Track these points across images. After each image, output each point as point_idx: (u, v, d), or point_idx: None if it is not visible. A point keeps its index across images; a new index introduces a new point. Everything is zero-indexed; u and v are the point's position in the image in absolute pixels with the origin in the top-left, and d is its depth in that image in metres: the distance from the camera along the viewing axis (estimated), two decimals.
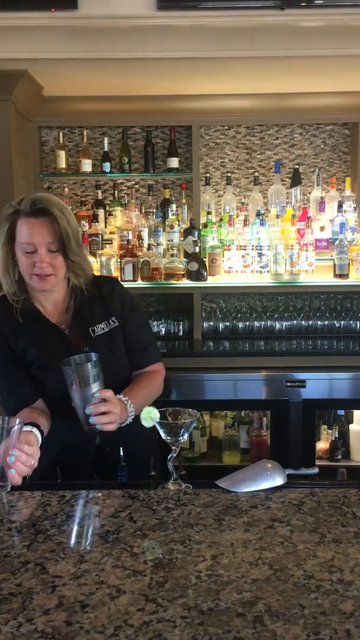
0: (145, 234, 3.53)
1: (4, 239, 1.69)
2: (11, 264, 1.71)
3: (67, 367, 1.56)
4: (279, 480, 1.43)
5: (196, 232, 3.51)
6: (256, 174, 3.73)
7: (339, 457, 3.36)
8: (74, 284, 1.78)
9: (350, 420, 3.44)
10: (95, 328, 1.78)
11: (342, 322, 3.60)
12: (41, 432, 1.61)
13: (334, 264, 3.47)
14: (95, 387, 1.57)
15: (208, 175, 3.74)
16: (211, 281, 3.49)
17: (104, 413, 1.57)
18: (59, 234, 1.65)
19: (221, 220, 3.63)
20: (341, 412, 3.49)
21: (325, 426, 3.47)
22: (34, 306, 1.78)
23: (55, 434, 1.72)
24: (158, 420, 1.44)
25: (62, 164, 3.65)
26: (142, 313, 1.95)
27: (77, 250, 1.71)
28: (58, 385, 1.62)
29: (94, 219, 3.59)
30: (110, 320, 1.80)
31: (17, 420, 1.42)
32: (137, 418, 1.47)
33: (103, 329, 1.79)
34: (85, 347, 1.74)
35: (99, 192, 3.71)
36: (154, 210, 3.61)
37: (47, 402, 1.76)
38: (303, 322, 3.61)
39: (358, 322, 3.59)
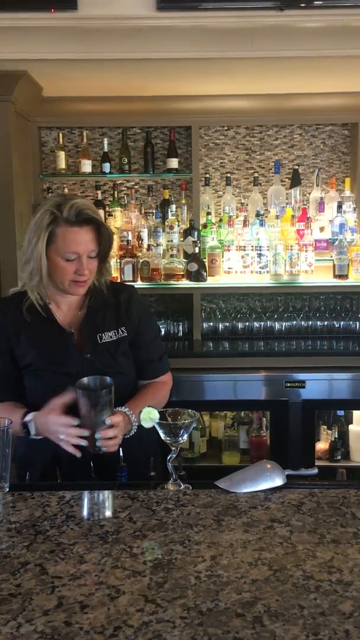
0: (144, 234, 3.53)
1: (45, 244, 1.66)
2: (46, 269, 1.70)
3: (81, 391, 1.57)
4: (278, 481, 1.43)
5: (196, 233, 3.51)
6: (256, 174, 3.73)
7: (339, 457, 3.36)
8: (94, 284, 1.80)
9: (349, 420, 3.44)
10: (104, 335, 1.77)
11: (342, 323, 3.60)
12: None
13: (334, 265, 3.48)
14: (106, 414, 1.59)
15: (208, 175, 3.74)
16: (211, 282, 3.49)
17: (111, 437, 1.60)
18: (105, 241, 1.70)
19: (221, 220, 3.63)
20: (341, 412, 3.49)
21: (325, 426, 3.47)
22: (48, 307, 1.78)
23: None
24: (157, 420, 1.44)
25: (62, 164, 3.65)
26: (155, 324, 1.97)
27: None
28: (54, 389, 1.64)
29: None
30: (120, 330, 1.79)
31: (6, 422, 1.42)
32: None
33: (111, 337, 1.78)
34: (87, 354, 1.74)
35: (99, 192, 3.71)
36: (154, 211, 3.61)
37: (41, 404, 1.74)
38: (303, 322, 3.61)
39: (357, 323, 3.60)
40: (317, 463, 3.21)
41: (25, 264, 1.74)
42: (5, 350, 1.76)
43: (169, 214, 3.56)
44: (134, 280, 3.42)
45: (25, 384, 1.77)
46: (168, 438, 1.44)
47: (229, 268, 3.49)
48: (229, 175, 3.72)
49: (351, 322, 3.60)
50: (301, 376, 3.14)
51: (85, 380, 1.63)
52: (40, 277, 1.70)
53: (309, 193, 3.71)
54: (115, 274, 3.42)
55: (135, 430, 1.70)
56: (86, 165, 3.64)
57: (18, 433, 1.70)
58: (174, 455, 1.46)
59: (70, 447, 1.61)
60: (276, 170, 3.66)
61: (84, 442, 1.60)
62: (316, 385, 3.15)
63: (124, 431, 1.65)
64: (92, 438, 1.59)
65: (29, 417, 1.67)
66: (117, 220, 3.63)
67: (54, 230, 1.66)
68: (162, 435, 1.45)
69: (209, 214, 3.60)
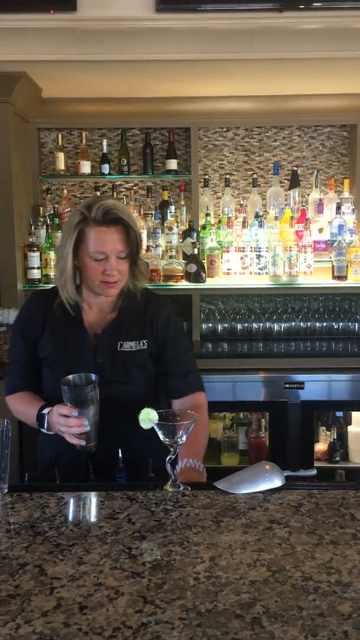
0: (144, 235, 3.53)
1: (73, 245, 1.69)
2: (74, 270, 1.72)
3: (65, 387, 1.59)
4: (277, 482, 1.43)
5: (195, 234, 3.51)
6: (255, 175, 3.74)
7: (338, 458, 3.37)
8: (128, 287, 1.78)
9: (348, 421, 3.44)
10: (124, 344, 1.77)
11: (341, 324, 3.60)
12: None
13: (333, 266, 3.48)
14: (92, 409, 1.60)
15: (207, 177, 3.74)
16: (210, 283, 3.49)
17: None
18: (133, 241, 1.68)
19: (220, 222, 3.63)
20: (340, 413, 3.49)
21: (324, 428, 3.48)
22: (79, 306, 1.78)
23: (52, 435, 1.73)
24: (157, 421, 1.44)
25: (61, 165, 3.65)
26: (186, 340, 1.92)
27: (140, 254, 1.75)
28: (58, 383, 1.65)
29: None
30: (142, 342, 1.78)
31: (5, 423, 1.42)
32: (136, 420, 1.47)
33: (131, 347, 1.77)
34: (100, 358, 1.74)
35: (98, 193, 3.71)
36: (153, 212, 3.61)
37: (52, 397, 1.75)
38: (301, 323, 3.61)
39: (356, 324, 3.60)
40: (316, 464, 3.21)
41: (57, 263, 1.78)
42: (31, 339, 1.81)
43: (168, 215, 3.56)
44: None
45: (43, 376, 1.80)
46: (167, 439, 1.44)
47: (228, 269, 3.49)
48: (228, 176, 3.72)
49: (350, 323, 3.60)
50: (300, 377, 3.14)
51: (70, 377, 1.63)
52: (66, 276, 1.71)
53: (308, 194, 3.71)
54: None
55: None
56: (85, 167, 3.64)
57: (31, 423, 1.75)
58: (173, 457, 1.46)
59: (73, 438, 1.61)
60: (275, 172, 3.67)
61: (82, 442, 1.61)
62: (315, 386, 3.15)
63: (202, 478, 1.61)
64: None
65: (44, 411, 1.70)
66: None
67: (82, 229, 1.68)
68: (161, 436, 1.45)
69: (208, 215, 3.61)
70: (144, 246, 3.50)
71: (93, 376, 1.63)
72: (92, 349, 1.76)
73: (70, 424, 1.59)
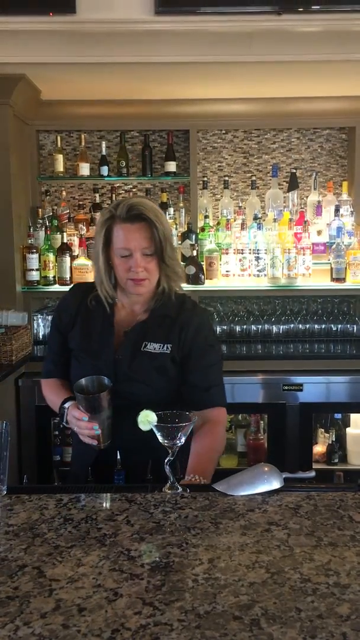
0: None
1: (102, 243, 1.73)
2: (109, 269, 1.76)
3: (79, 395, 1.64)
4: (276, 484, 1.43)
5: (193, 236, 3.52)
6: (253, 177, 3.75)
7: (336, 460, 3.37)
8: (163, 288, 1.78)
9: (347, 423, 3.44)
10: (149, 344, 1.75)
11: (339, 326, 3.61)
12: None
13: (331, 268, 3.49)
14: (105, 414, 1.64)
15: (205, 179, 3.75)
16: (208, 285, 3.49)
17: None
18: (157, 239, 1.68)
19: (218, 224, 3.64)
20: (338, 415, 3.49)
21: (323, 429, 3.48)
22: (114, 302, 1.81)
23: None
24: (155, 423, 1.44)
25: (60, 167, 3.66)
26: (216, 353, 1.85)
27: (171, 254, 1.74)
28: (82, 376, 1.71)
29: (92, 222, 3.60)
30: (166, 346, 1.75)
31: (3, 425, 1.43)
32: (135, 422, 1.47)
33: (154, 348, 1.75)
34: (119, 355, 1.74)
35: (97, 195, 3.72)
36: None
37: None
38: (300, 325, 3.61)
39: (355, 326, 3.60)
40: (315, 466, 3.21)
41: (93, 262, 1.83)
42: (63, 328, 1.85)
43: (167, 217, 3.56)
44: None
45: (71, 364, 1.83)
46: (166, 441, 1.44)
47: (226, 271, 3.49)
48: (226, 178, 3.73)
49: (348, 325, 3.60)
50: (299, 379, 3.14)
51: (83, 381, 1.67)
52: (101, 274, 1.75)
53: (307, 196, 3.72)
54: None
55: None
56: (84, 169, 3.64)
57: (56, 411, 1.81)
58: (172, 458, 1.46)
59: (86, 438, 1.66)
60: (274, 174, 3.67)
61: (94, 442, 1.66)
62: (314, 388, 3.15)
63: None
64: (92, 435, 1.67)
65: (66, 405, 1.74)
66: None
67: (110, 227, 1.71)
68: (159, 438, 1.45)
69: (206, 217, 3.61)
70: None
71: (106, 380, 1.66)
72: (114, 345, 1.77)
73: (81, 426, 1.64)
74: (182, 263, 3.50)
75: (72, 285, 1.98)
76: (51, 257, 3.52)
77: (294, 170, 3.67)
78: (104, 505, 1.37)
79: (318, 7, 2.79)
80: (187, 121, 3.62)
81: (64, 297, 1.92)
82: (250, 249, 3.47)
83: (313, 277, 3.49)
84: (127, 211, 1.67)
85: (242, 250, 3.47)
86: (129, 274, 1.70)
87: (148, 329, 1.77)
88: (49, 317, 3.63)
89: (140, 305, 1.81)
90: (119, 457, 1.68)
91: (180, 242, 3.54)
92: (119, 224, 1.69)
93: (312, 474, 1.54)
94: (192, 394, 1.77)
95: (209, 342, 1.81)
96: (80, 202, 3.77)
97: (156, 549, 1.16)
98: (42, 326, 3.62)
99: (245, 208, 3.65)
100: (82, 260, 3.52)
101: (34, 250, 3.49)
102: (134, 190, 3.82)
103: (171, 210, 3.58)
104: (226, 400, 1.83)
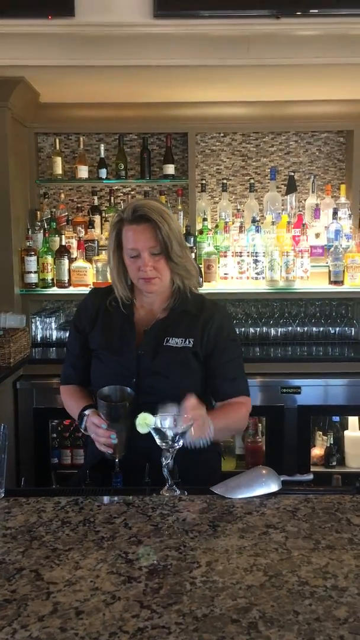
0: None
1: (113, 246, 1.79)
2: (122, 270, 1.81)
3: (101, 401, 1.66)
4: (273, 487, 1.43)
5: (192, 239, 3.52)
6: (252, 180, 3.75)
7: (334, 463, 3.37)
8: (178, 286, 1.83)
9: (345, 426, 3.44)
10: (170, 339, 1.79)
11: (337, 329, 3.61)
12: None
13: (329, 271, 3.49)
14: (122, 424, 1.65)
15: (204, 182, 3.75)
16: (207, 287, 3.49)
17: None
18: (161, 238, 1.71)
19: (217, 226, 3.64)
20: (336, 418, 3.49)
21: (320, 432, 3.48)
22: (133, 302, 1.85)
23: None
24: (153, 426, 1.44)
25: (59, 170, 3.66)
26: (238, 347, 1.93)
27: (180, 252, 1.76)
28: (112, 373, 1.75)
29: (90, 225, 3.60)
30: (188, 340, 1.79)
31: (2, 427, 1.43)
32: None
33: (176, 343, 1.79)
34: (141, 351, 1.77)
35: (95, 198, 3.72)
36: None
37: (101, 386, 1.78)
38: (298, 328, 3.61)
39: (353, 329, 3.61)
40: (313, 469, 3.21)
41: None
42: (84, 329, 1.88)
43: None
44: None
45: (92, 366, 1.85)
46: (164, 443, 1.45)
47: (225, 274, 3.50)
48: (225, 181, 3.73)
49: (346, 328, 3.61)
50: (297, 382, 3.14)
51: (106, 389, 1.69)
52: (114, 276, 1.82)
53: (305, 199, 3.73)
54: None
55: (207, 442, 1.62)
56: (83, 171, 3.65)
57: (75, 417, 1.83)
58: (170, 461, 1.46)
59: (102, 446, 1.68)
60: (272, 177, 3.68)
61: (110, 450, 1.68)
62: (312, 391, 3.15)
63: (200, 430, 1.58)
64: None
65: (86, 412, 1.76)
66: None
67: (120, 230, 1.76)
68: (158, 441, 1.45)
69: (205, 220, 3.61)
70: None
71: (129, 390, 1.68)
72: (136, 341, 1.80)
73: (99, 433, 1.67)
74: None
75: (90, 289, 2.01)
76: (49, 259, 3.51)
77: (292, 173, 3.68)
78: (102, 508, 1.37)
79: (316, 11, 2.80)
80: (186, 124, 3.62)
81: (83, 300, 1.96)
82: (248, 252, 3.47)
83: (311, 280, 3.50)
84: (132, 213, 1.72)
85: (240, 253, 3.47)
86: (139, 273, 1.75)
87: (168, 326, 1.81)
88: (47, 320, 3.64)
89: (158, 304, 1.85)
90: (117, 460, 1.69)
91: None
92: (127, 226, 1.74)
93: (310, 476, 1.54)
94: (218, 385, 1.83)
95: (231, 337, 1.89)
96: (79, 205, 3.77)
97: (154, 552, 1.16)
98: (40, 329, 3.62)
99: (243, 211, 3.65)
100: (81, 263, 3.52)
101: (33, 253, 3.48)
102: (132, 193, 3.83)
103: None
104: (249, 390, 1.89)
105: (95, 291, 1.99)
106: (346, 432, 3.41)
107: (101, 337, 1.84)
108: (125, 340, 1.80)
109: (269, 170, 3.74)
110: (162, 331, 1.80)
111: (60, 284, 3.53)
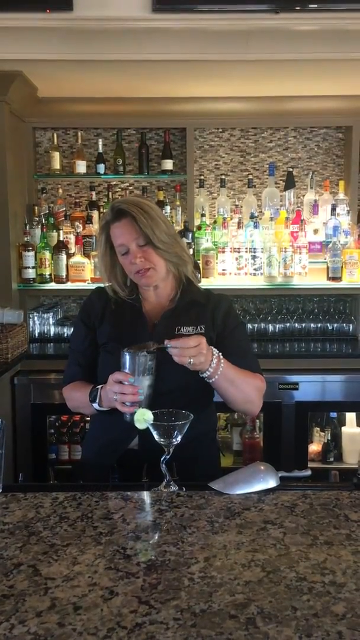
0: None
1: (103, 248, 1.81)
2: (119, 270, 1.82)
3: (125, 352, 1.58)
4: (271, 483, 1.43)
5: (190, 234, 3.52)
6: (250, 176, 3.74)
7: (332, 459, 3.38)
8: (179, 277, 1.84)
9: (342, 422, 3.45)
10: (182, 328, 1.80)
11: (335, 325, 3.61)
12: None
13: (327, 267, 3.49)
14: (148, 379, 1.58)
15: (202, 177, 3.74)
16: (205, 283, 3.48)
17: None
18: (141, 228, 1.72)
19: (215, 222, 3.64)
20: (334, 414, 3.50)
21: (318, 428, 3.48)
22: (138, 298, 1.86)
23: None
24: (151, 422, 1.44)
25: (56, 165, 3.65)
26: (245, 335, 1.95)
27: (166, 239, 1.76)
28: (115, 367, 1.65)
29: (88, 220, 3.59)
30: (199, 327, 1.81)
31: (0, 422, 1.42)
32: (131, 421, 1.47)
33: (188, 331, 1.79)
34: (155, 340, 1.74)
35: (93, 193, 3.71)
36: None
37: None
38: (296, 324, 3.61)
39: (351, 325, 3.61)
40: (310, 465, 3.21)
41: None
42: (91, 325, 1.87)
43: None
44: None
45: (99, 362, 1.83)
46: (162, 439, 1.44)
47: (223, 270, 3.49)
48: (223, 177, 3.72)
49: (344, 325, 3.61)
50: (294, 378, 3.14)
51: (127, 349, 1.62)
52: (107, 276, 1.84)
53: (303, 195, 3.72)
54: None
55: (209, 372, 1.63)
56: (81, 166, 3.63)
57: (85, 406, 1.76)
58: (168, 457, 1.46)
59: (125, 407, 1.58)
60: (270, 173, 3.67)
61: (132, 409, 1.56)
62: (309, 387, 3.16)
63: (202, 357, 1.59)
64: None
65: (98, 387, 1.71)
66: None
67: (108, 233, 1.78)
68: (156, 437, 1.45)
69: (203, 215, 3.61)
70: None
71: (151, 343, 1.63)
72: (147, 332, 1.79)
73: (125, 391, 1.57)
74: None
75: (93, 289, 1.97)
76: (47, 254, 3.51)
77: (291, 169, 3.67)
78: (100, 503, 1.37)
79: (315, 5, 2.79)
80: (184, 119, 3.61)
81: (87, 297, 1.95)
82: (246, 248, 3.47)
83: (309, 276, 3.50)
84: (112, 211, 1.76)
85: (238, 249, 3.47)
86: (132, 267, 1.75)
87: (178, 316, 1.82)
88: (45, 315, 3.63)
89: (165, 297, 1.86)
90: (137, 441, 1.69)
91: None
92: (112, 226, 1.77)
93: (308, 472, 1.54)
94: (233, 362, 1.78)
95: (239, 320, 1.93)
96: (77, 200, 3.76)
97: (152, 547, 1.16)
98: (37, 324, 3.61)
99: (241, 207, 3.65)
100: (79, 258, 3.51)
101: (30, 248, 3.48)
102: (130, 188, 3.82)
103: (168, 208, 3.58)
104: (260, 369, 1.87)
105: (99, 289, 1.97)
106: (344, 428, 3.41)
107: (110, 328, 1.83)
108: (137, 331, 1.80)
109: (267, 166, 3.73)
110: (172, 321, 1.81)
111: (58, 280, 3.52)
